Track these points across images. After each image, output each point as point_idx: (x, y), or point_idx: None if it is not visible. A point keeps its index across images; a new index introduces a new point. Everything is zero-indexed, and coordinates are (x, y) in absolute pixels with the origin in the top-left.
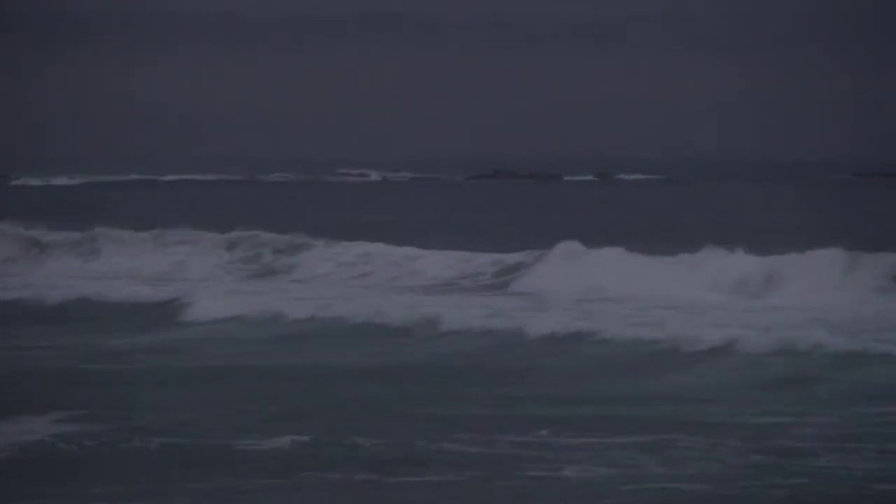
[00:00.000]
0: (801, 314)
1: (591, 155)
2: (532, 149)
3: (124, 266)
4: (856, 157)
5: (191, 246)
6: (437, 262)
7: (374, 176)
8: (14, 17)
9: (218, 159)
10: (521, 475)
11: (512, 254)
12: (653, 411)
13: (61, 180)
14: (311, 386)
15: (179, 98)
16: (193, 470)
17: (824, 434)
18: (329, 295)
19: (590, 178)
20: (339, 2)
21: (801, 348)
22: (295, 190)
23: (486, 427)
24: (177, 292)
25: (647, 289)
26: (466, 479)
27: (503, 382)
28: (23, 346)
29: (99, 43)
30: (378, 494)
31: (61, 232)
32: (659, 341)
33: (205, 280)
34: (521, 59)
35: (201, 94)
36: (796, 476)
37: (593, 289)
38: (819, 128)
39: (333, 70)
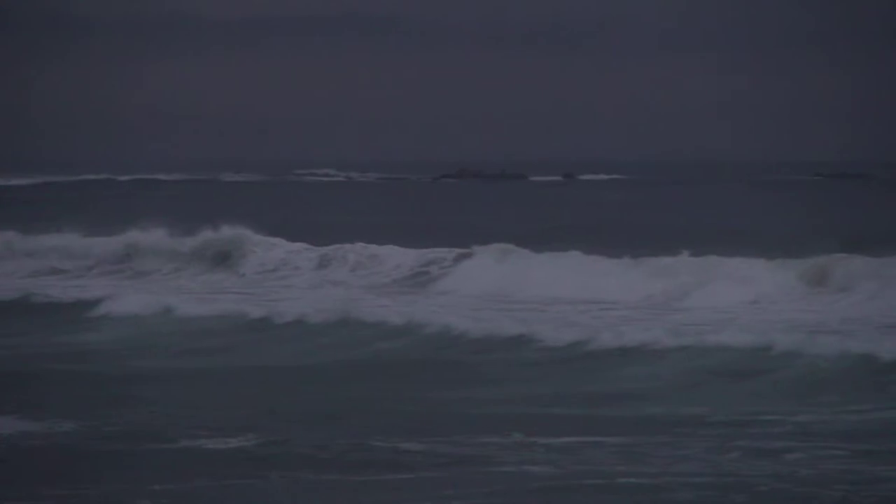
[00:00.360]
0: (719, 316)
1: (582, 156)
2: (508, 150)
3: (49, 266)
4: (825, 156)
5: (131, 244)
6: (352, 262)
7: (340, 176)
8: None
9: (188, 159)
10: (487, 473)
11: (436, 250)
12: (583, 411)
13: (16, 181)
14: (251, 384)
15: (156, 100)
16: (154, 470)
17: (770, 431)
18: (256, 293)
19: (555, 178)
20: (311, 3)
21: (717, 348)
22: (255, 190)
23: (427, 426)
24: (108, 290)
25: (573, 289)
26: (419, 479)
27: (449, 381)
28: None
29: (84, 44)
30: (340, 494)
31: None
32: (582, 342)
33: (139, 277)
34: (500, 61)
35: (179, 95)
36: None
37: (511, 290)
38: (795, 128)
39: (305, 71)
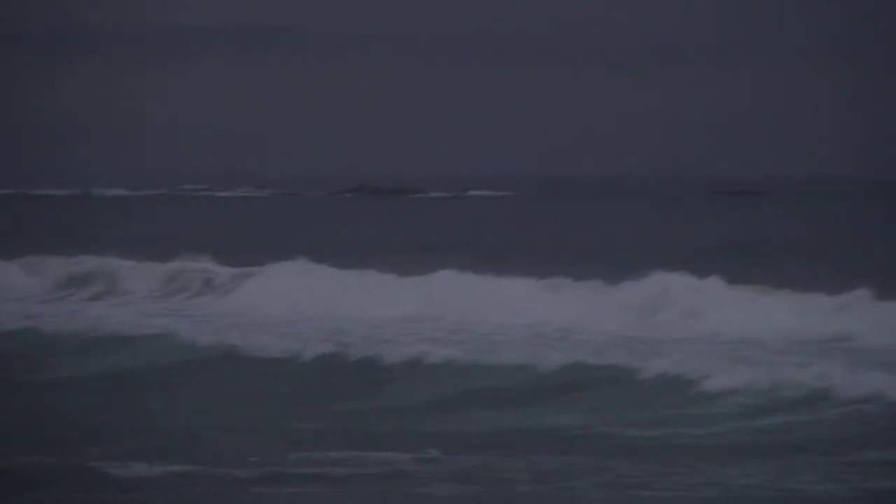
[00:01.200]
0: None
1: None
2: (418, 165)
3: None
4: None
5: None
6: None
7: (230, 192)
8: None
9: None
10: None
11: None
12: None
13: None
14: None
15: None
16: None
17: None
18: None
19: (448, 194)
20: (211, 14)
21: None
22: (117, 205)
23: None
24: None
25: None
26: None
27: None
28: None
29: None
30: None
31: None
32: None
33: None
34: (424, 75)
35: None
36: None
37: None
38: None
39: (205, 84)
